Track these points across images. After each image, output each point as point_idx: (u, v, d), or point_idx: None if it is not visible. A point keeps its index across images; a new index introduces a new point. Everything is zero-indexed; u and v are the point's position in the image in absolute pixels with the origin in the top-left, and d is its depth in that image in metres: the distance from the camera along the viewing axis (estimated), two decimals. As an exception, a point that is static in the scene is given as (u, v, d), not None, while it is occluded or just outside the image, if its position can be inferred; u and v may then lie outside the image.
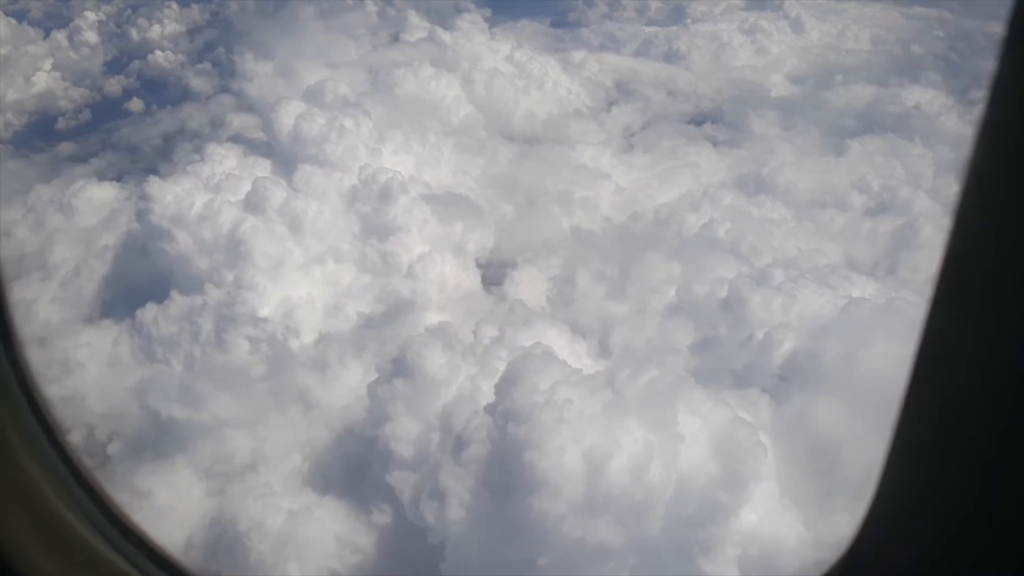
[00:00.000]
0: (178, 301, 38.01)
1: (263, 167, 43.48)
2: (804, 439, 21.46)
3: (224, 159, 43.05)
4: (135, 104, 78.12)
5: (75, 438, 35.19)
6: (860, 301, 25.37)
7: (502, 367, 23.59)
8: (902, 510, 1.79)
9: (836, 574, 2.07)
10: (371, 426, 26.02)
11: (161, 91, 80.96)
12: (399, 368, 25.93)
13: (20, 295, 40.49)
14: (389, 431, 24.44)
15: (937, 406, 1.66)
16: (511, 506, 19.72)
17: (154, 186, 39.58)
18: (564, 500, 19.11)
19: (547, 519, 19.00)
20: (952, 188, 56.21)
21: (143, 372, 36.78)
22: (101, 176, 53.57)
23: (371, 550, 24.01)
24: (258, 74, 58.27)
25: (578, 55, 75.92)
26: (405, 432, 24.22)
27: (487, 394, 22.98)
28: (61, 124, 72.75)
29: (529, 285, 41.65)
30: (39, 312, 40.07)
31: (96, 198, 47.34)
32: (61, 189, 49.12)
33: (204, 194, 39.97)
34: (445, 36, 64.12)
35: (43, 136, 68.51)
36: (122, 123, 68.99)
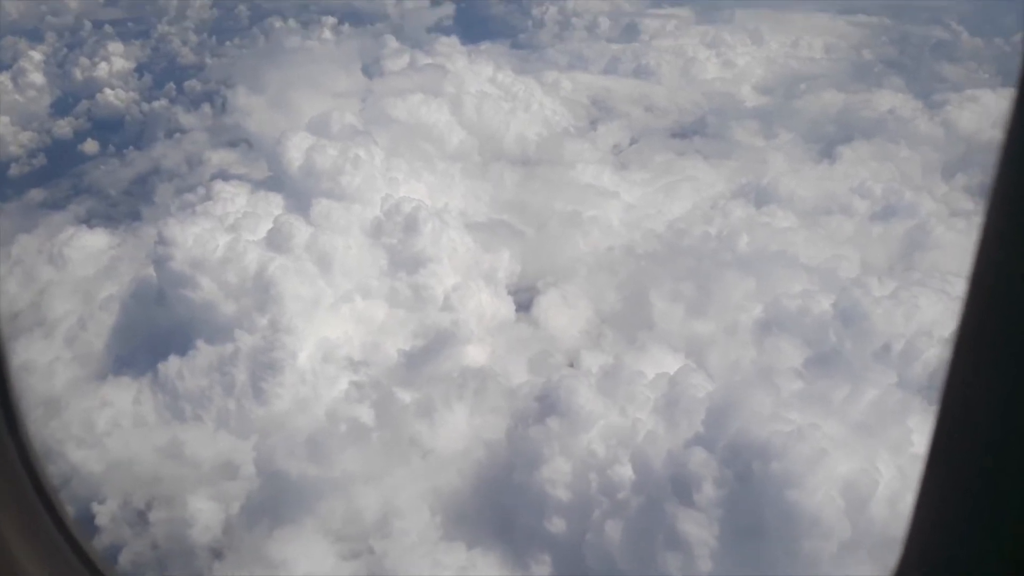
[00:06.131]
0: (205, 351, 35.68)
1: (275, 203, 41.44)
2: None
3: (235, 197, 40.84)
4: (90, 145, 74.49)
5: (110, 507, 32.62)
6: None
7: (649, 396, 22.29)
8: (942, 541, 1.79)
9: None
10: (508, 469, 24.32)
11: (116, 131, 77.55)
12: (542, 407, 24.29)
13: (22, 355, 37.41)
14: (544, 474, 22.74)
15: (970, 433, 1.66)
16: (770, 548, 18.34)
17: (171, 228, 37.11)
18: (828, 537, 17.86)
19: (812, 559, 17.71)
20: (946, 188, 57.57)
21: (173, 431, 34.34)
22: (82, 223, 50.46)
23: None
24: (239, 108, 55.91)
25: (550, 75, 75.59)
26: (559, 474, 22.61)
27: (662, 426, 21.61)
28: (15, 170, 68.63)
29: (563, 309, 40.48)
30: (46, 371, 37.07)
31: (88, 246, 44.36)
32: (46, 239, 45.95)
33: (222, 235, 37.75)
34: (426, 61, 63.02)
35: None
36: (87, 166, 65.49)
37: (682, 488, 20.06)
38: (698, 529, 19.37)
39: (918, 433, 19.59)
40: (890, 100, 69.78)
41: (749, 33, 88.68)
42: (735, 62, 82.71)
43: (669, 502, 20.06)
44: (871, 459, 18.92)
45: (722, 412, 20.57)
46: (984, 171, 59.29)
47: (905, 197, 49.94)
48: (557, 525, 22.50)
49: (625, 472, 21.79)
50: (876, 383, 21.63)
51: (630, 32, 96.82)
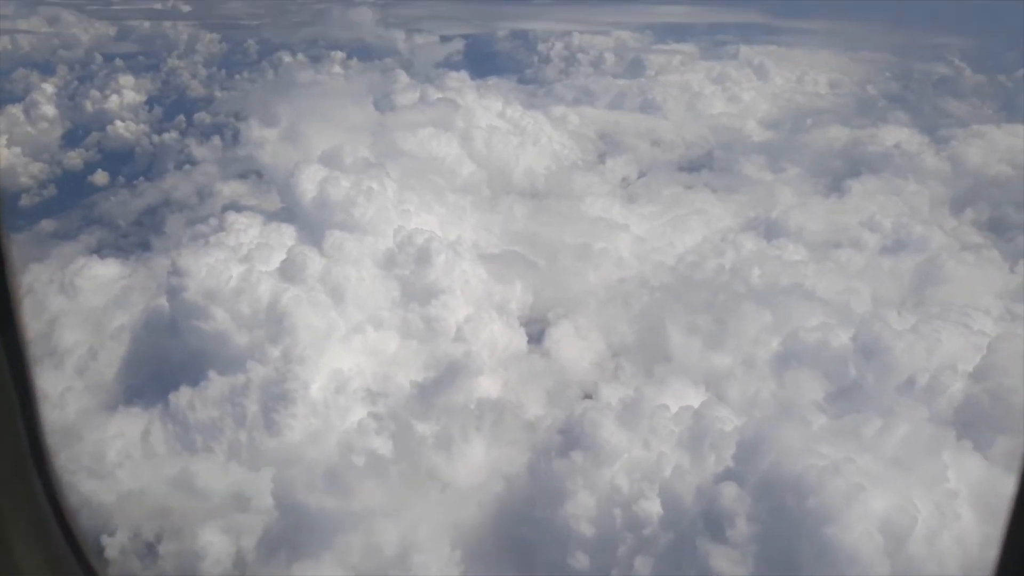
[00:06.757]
0: (217, 382, 35.48)
1: (288, 235, 41.51)
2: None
3: (248, 228, 40.92)
4: (100, 177, 74.99)
5: (120, 539, 32.22)
6: (1008, 336, 24.89)
7: (674, 429, 22.11)
8: None
9: None
10: (529, 503, 23.99)
11: (127, 162, 78.13)
12: (565, 440, 24.07)
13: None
14: (567, 509, 22.41)
15: None
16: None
17: (184, 259, 37.16)
18: (867, 575, 17.56)
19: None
20: (955, 223, 57.71)
21: (184, 462, 34.02)
22: (93, 253, 50.59)
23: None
24: (251, 140, 56.33)
25: (557, 110, 76.22)
26: (582, 509, 22.30)
27: (688, 460, 21.36)
28: (26, 201, 69.06)
29: (574, 341, 40.32)
30: (57, 401, 36.79)
31: (100, 276, 44.28)
32: (57, 268, 45.96)
33: (235, 265, 37.74)
34: (437, 96, 63.57)
35: (10, 214, 64.86)
36: (97, 197, 65.83)
37: (714, 524, 19.70)
38: (731, 566, 18.97)
39: (953, 468, 19.41)
40: (896, 135, 70.26)
41: (754, 69, 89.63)
42: (741, 97, 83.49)
43: (700, 538, 19.66)
44: (907, 494, 18.67)
45: (751, 446, 20.30)
46: (992, 206, 59.61)
47: (914, 231, 49.90)
48: (581, 561, 22.13)
49: (652, 507, 21.45)
50: (904, 417, 21.43)
51: (636, 67, 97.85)
